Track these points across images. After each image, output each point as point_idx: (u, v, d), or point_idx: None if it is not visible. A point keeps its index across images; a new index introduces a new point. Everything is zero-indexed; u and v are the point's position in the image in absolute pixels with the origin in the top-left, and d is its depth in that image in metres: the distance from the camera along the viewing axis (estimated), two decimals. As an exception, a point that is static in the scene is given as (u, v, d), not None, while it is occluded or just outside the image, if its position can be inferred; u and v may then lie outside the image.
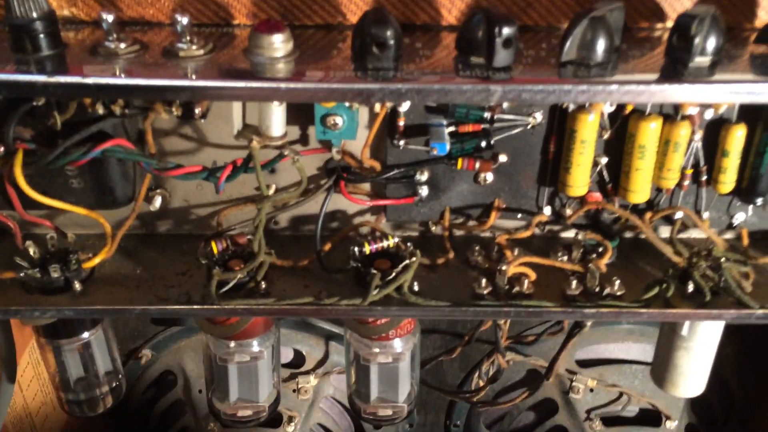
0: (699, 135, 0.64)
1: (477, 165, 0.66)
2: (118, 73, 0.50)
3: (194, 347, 1.03)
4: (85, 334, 0.70)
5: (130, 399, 1.09)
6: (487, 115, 0.63)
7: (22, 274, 0.62)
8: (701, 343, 0.68)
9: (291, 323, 0.99)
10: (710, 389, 1.06)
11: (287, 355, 1.03)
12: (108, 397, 0.74)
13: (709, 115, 0.62)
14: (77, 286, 0.62)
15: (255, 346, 0.70)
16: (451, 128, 0.64)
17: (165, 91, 0.50)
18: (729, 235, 0.71)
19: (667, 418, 1.06)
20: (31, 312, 0.61)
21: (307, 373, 1.03)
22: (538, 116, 0.64)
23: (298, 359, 1.04)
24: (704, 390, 1.04)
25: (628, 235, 0.72)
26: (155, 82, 0.49)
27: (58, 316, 0.61)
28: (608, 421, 1.07)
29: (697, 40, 0.51)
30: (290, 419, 1.06)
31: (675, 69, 0.52)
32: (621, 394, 1.06)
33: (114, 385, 0.74)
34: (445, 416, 1.13)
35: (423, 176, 0.66)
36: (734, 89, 0.50)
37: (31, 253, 0.63)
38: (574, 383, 1.05)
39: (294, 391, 1.04)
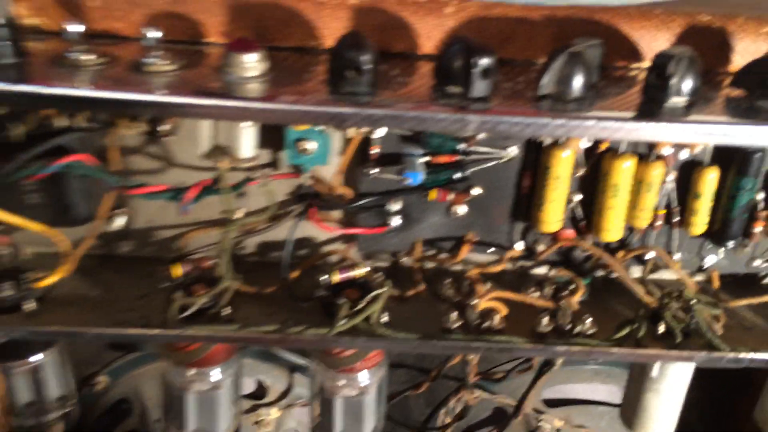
0: (672, 176, 0.64)
1: (450, 197, 0.65)
2: (81, 84, 0.48)
3: (152, 375, 0.99)
4: (37, 357, 0.66)
5: (83, 427, 1.05)
6: (462, 146, 0.62)
7: (-31, 292, 0.58)
8: (671, 386, 0.68)
9: (254, 353, 0.96)
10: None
11: (249, 386, 1.00)
12: (59, 424, 0.70)
13: (683, 155, 0.62)
14: (30, 305, 0.59)
15: (216, 374, 0.67)
16: (426, 158, 0.63)
17: (130, 106, 0.48)
18: (700, 278, 0.71)
19: (633, 461, 1.05)
20: (-23, 332, 0.58)
21: (269, 405, 1.00)
22: (513, 150, 0.63)
23: (261, 390, 1.01)
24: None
25: (600, 273, 0.71)
26: (120, 95, 0.47)
27: (8, 335, 0.58)
28: (574, 462, 1.06)
29: (674, 80, 0.51)
30: (251, 452, 1.03)
31: (651, 107, 0.52)
32: (587, 436, 1.05)
33: (66, 410, 0.70)
34: (408, 453, 1.10)
35: (395, 206, 0.65)
36: (709, 130, 0.50)
37: (-19, 269, 0.60)
38: (540, 423, 1.03)
39: (255, 423, 1.01)
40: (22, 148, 0.55)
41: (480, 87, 0.50)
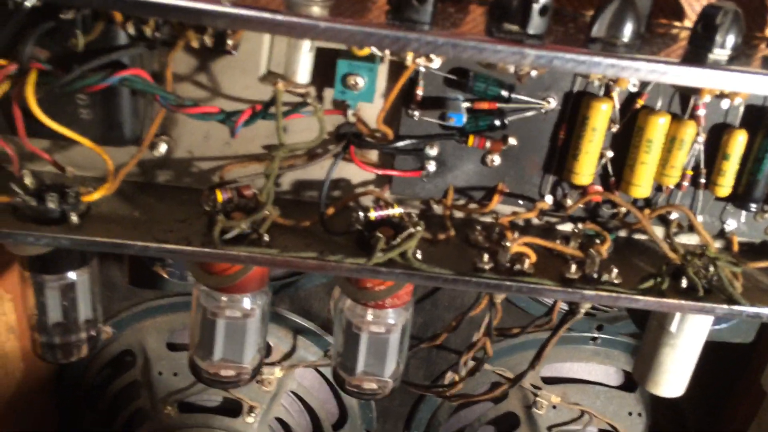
0: (702, 137, 0.66)
1: (487, 144, 0.67)
2: (156, -9, 0.49)
3: (158, 328, 1.00)
4: (72, 273, 0.67)
5: (84, 376, 1.05)
6: (504, 93, 0.64)
7: (17, 200, 0.59)
8: (688, 341, 0.70)
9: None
10: (666, 418, 1.08)
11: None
12: (84, 345, 0.71)
13: (726, 104, 0.63)
14: (74, 218, 0.60)
15: (247, 302, 0.68)
16: (467, 104, 0.65)
17: (204, 16, 0.49)
18: (718, 244, 0.73)
19: (626, 439, 1.07)
20: (25, 237, 0.58)
21: (273, 364, 1.01)
22: (553, 101, 0.65)
23: (265, 350, 1.02)
24: (662, 417, 1.06)
25: (622, 233, 0.73)
26: (196, 5, 0.49)
27: (53, 245, 0.59)
28: (569, 439, 1.08)
29: (720, 32, 0.53)
30: (251, 409, 1.04)
31: (697, 55, 0.54)
32: (583, 413, 1.07)
33: (91, 334, 0.71)
34: (404, 425, 1.12)
35: (433, 151, 0.67)
36: (756, 79, 0.52)
37: (27, 182, 0.61)
38: (537, 398, 1.05)
39: (257, 381, 1.02)
40: (81, 60, 0.56)
41: (537, 24, 0.52)
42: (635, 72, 0.52)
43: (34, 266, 0.66)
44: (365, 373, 0.71)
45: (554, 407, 1.07)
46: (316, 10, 0.52)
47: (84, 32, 0.55)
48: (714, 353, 0.92)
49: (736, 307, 0.63)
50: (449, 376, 0.94)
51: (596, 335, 1.01)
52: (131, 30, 0.53)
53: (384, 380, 0.72)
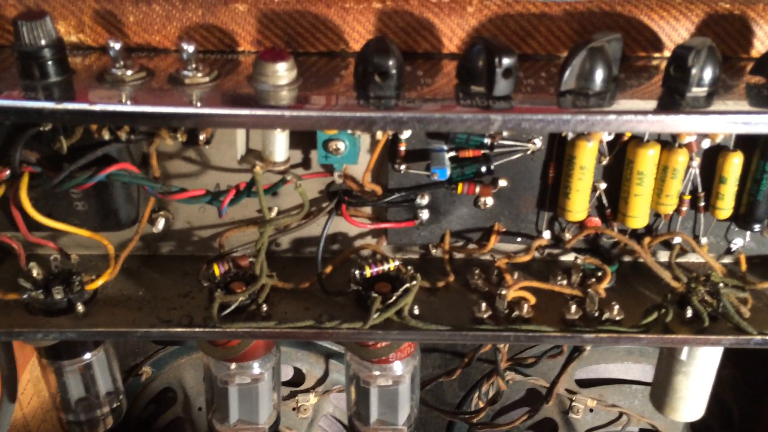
0: (697, 162, 0.64)
1: (477, 189, 0.66)
2: (124, 100, 0.51)
3: (194, 364, 1.03)
4: (87, 355, 0.70)
5: (129, 416, 1.09)
6: (487, 140, 0.63)
7: (25, 296, 0.62)
8: (700, 368, 0.69)
9: (291, 341, 0.99)
10: (709, 410, 1.06)
11: (287, 373, 1.03)
12: (109, 417, 0.74)
13: (706, 143, 0.63)
14: (80, 307, 0.63)
15: (256, 368, 0.70)
16: (452, 153, 0.65)
17: (170, 119, 0.50)
18: (727, 260, 0.72)
19: (667, 439, 1.06)
20: (34, 334, 0.61)
21: (307, 391, 1.03)
22: (538, 142, 0.64)
23: (298, 377, 1.04)
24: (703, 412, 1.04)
25: (627, 259, 0.72)
26: (161, 109, 0.50)
27: (61, 338, 0.62)
28: (608, 441, 1.08)
29: (693, 71, 0.52)
30: (290, 437, 1.06)
31: (672, 99, 0.53)
32: (621, 415, 1.06)
33: (114, 405, 0.74)
34: (445, 432, 1.13)
35: (424, 200, 0.67)
36: (730, 120, 0.51)
37: (35, 274, 0.64)
38: (573, 403, 1.05)
39: (294, 409, 1.04)
40: (69, 159, 0.58)
41: (502, 86, 0.51)
42: (606, 125, 0.51)
43: (51, 354, 0.69)
44: (380, 422, 0.72)
45: (591, 410, 1.06)
46: (284, 94, 0.53)
47: (66, 136, 0.57)
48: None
49: (743, 337, 0.62)
50: (476, 400, 0.95)
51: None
52: (106, 136, 0.55)
53: (399, 428, 0.73)
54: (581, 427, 1.07)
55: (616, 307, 0.64)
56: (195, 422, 1.07)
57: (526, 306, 0.64)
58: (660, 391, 0.72)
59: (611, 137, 0.63)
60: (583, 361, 1.02)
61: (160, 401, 1.08)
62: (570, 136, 0.62)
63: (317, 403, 1.04)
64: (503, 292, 0.64)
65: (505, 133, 0.62)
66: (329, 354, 1.02)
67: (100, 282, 0.64)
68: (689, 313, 0.64)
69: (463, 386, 1.06)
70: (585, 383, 1.06)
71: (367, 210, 0.70)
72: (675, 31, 0.59)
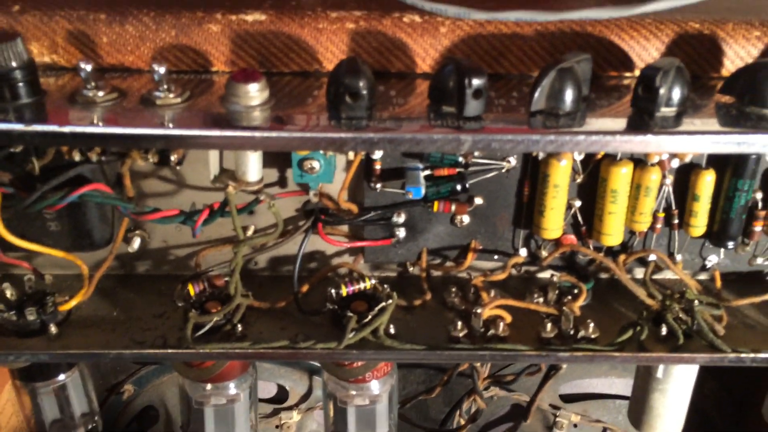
0: (670, 180, 0.65)
1: (453, 207, 0.67)
2: (95, 121, 0.51)
3: (176, 382, 1.02)
4: (61, 377, 0.70)
5: (113, 432, 1.09)
6: (461, 159, 0.64)
7: (-3, 317, 0.62)
8: (676, 386, 0.69)
9: (274, 358, 0.99)
10: (692, 425, 1.07)
11: (270, 390, 1.03)
12: (85, 439, 0.74)
13: (676, 162, 0.63)
14: (53, 329, 0.62)
15: (232, 388, 0.70)
16: (427, 172, 0.65)
17: (141, 140, 0.50)
18: (703, 276, 0.72)
19: (650, 454, 1.06)
20: (6, 356, 0.61)
21: (290, 408, 1.03)
22: (512, 160, 0.65)
23: (281, 394, 1.03)
24: (687, 424, 1.04)
25: (604, 276, 0.73)
26: (132, 131, 0.50)
27: (33, 360, 0.61)
28: (592, 457, 1.07)
29: (662, 92, 0.52)
30: (274, 456, 1.05)
31: (641, 119, 0.53)
32: (605, 430, 1.06)
33: (90, 426, 0.74)
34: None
35: (400, 218, 0.67)
36: (699, 140, 0.52)
37: (8, 295, 0.63)
38: (557, 419, 1.05)
39: (277, 427, 1.03)
40: (41, 179, 0.58)
41: (472, 107, 0.52)
42: (576, 146, 0.52)
43: (24, 376, 0.69)
44: (358, 442, 0.72)
45: (575, 426, 1.06)
46: (256, 115, 0.53)
47: (37, 157, 0.57)
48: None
49: (716, 355, 0.62)
50: (457, 418, 0.95)
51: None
52: (77, 157, 0.55)
53: (377, 448, 0.73)
54: (565, 443, 1.07)
55: (591, 324, 0.64)
56: (177, 440, 1.06)
57: (501, 324, 0.64)
58: (637, 408, 0.73)
59: (582, 156, 0.63)
60: (567, 376, 1.02)
61: (143, 419, 1.08)
62: (541, 155, 0.62)
63: (300, 420, 1.04)
64: (479, 310, 0.64)
65: (476, 153, 0.62)
66: (312, 371, 1.01)
67: (73, 302, 0.64)
68: (664, 330, 0.64)
69: (447, 402, 1.05)
70: (569, 398, 1.06)
71: (344, 228, 0.70)
72: (645, 51, 0.59)
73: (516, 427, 1.03)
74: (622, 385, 1.05)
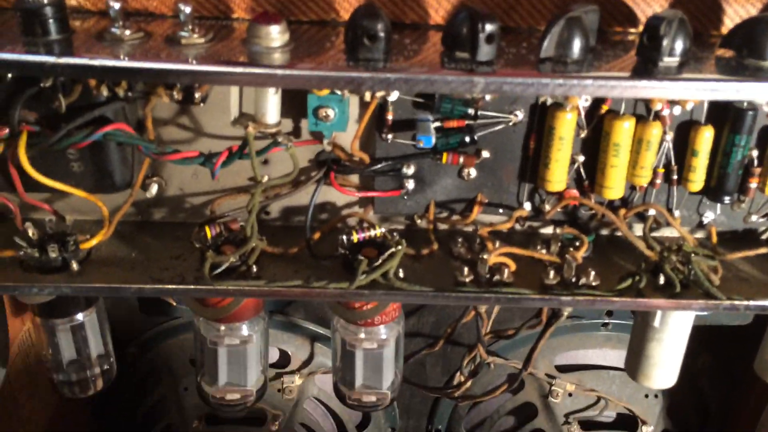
0: (670, 135, 0.67)
1: (461, 160, 0.69)
2: (122, 56, 0.53)
3: (180, 346, 1.05)
4: (79, 315, 0.72)
5: (114, 396, 1.11)
6: (471, 111, 0.66)
7: (21, 253, 0.64)
8: (673, 334, 0.72)
9: (277, 323, 1.01)
10: (686, 396, 1.09)
11: (273, 355, 1.05)
12: (99, 379, 0.76)
13: (677, 111, 0.65)
14: (74, 266, 0.65)
15: (245, 330, 0.72)
16: (437, 123, 0.67)
17: (167, 75, 0.53)
18: (700, 234, 0.75)
19: (643, 423, 1.09)
20: (30, 289, 0.63)
21: (293, 372, 1.05)
22: (520, 114, 0.67)
23: (284, 359, 1.06)
24: (680, 396, 1.07)
25: (604, 232, 0.75)
26: (159, 65, 0.52)
27: (56, 293, 0.63)
28: (586, 425, 1.10)
29: (665, 41, 0.55)
30: (274, 418, 1.08)
31: (646, 67, 0.56)
32: (599, 399, 1.09)
33: (105, 368, 0.76)
34: (427, 421, 1.15)
35: (410, 170, 0.70)
36: (700, 86, 0.54)
37: (30, 234, 0.65)
38: (553, 387, 1.07)
39: (279, 390, 1.06)
40: (67, 118, 0.60)
41: (485, 51, 0.54)
42: (583, 89, 0.54)
43: (44, 312, 0.71)
44: (364, 386, 0.74)
45: (570, 395, 1.09)
46: (276, 56, 0.55)
47: (64, 95, 0.59)
48: (729, 331, 0.93)
49: (712, 302, 0.64)
50: (458, 377, 0.97)
51: (607, 321, 1.01)
52: (105, 92, 0.57)
53: (383, 392, 0.75)
54: (560, 410, 1.09)
55: (593, 273, 0.67)
56: (180, 403, 1.08)
57: (506, 271, 0.67)
58: (634, 358, 0.75)
59: (588, 104, 0.65)
60: (563, 346, 1.05)
61: (147, 382, 1.10)
62: (549, 101, 0.65)
63: (302, 384, 1.06)
64: (485, 257, 0.66)
65: (488, 98, 0.64)
66: (315, 337, 1.04)
67: (94, 241, 0.66)
68: (662, 280, 0.67)
69: (445, 370, 1.08)
70: (564, 368, 1.09)
71: (355, 179, 0.72)
72: (650, 7, 0.62)
73: (513, 386, 1.05)
74: (616, 356, 1.08)
